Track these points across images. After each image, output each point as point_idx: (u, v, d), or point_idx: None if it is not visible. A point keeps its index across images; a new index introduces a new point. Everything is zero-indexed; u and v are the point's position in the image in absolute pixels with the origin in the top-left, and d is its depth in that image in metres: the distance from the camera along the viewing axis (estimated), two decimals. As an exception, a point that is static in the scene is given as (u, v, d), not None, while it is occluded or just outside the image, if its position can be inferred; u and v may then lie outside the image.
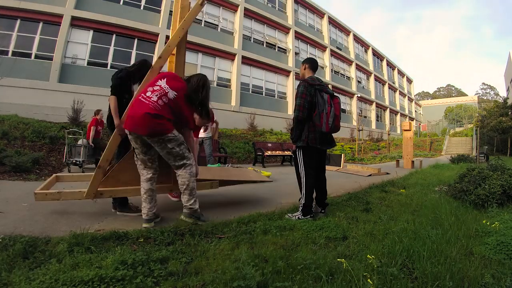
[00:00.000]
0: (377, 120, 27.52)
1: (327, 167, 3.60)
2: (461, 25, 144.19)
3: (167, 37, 12.59)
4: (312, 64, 3.02)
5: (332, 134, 2.93)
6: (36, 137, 6.92)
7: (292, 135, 2.93)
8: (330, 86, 20.84)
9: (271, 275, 1.58)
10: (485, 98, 55.60)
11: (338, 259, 1.70)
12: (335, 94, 2.96)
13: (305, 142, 2.79)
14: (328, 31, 22.08)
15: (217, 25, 15.04)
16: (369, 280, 1.44)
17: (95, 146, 6.14)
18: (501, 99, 32.91)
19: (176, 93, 2.40)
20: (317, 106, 2.72)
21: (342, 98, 23.04)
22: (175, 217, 2.65)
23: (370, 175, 7.28)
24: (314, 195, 3.03)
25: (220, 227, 2.47)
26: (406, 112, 35.30)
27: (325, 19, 22.09)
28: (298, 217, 2.81)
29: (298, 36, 19.27)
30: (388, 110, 29.96)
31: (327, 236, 2.32)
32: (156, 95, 2.34)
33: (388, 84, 30.81)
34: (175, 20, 2.91)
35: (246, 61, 15.59)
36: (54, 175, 3.41)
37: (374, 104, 26.35)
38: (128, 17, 11.79)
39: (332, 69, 21.88)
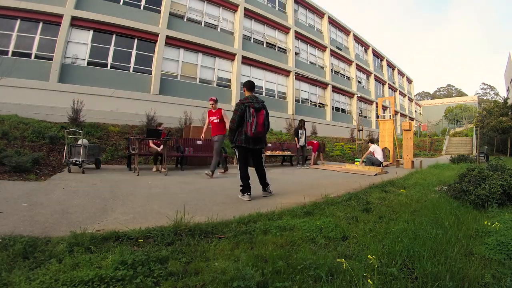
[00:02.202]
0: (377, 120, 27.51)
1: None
2: (461, 27, 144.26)
3: (167, 37, 12.62)
4: (247, 86, 4.22)
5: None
6: (36, 137, 6.92)
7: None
8: (330, 86, 20.86)
9: (271, 275, 1.58)
10: (485, 98, 55.59)
11: (338, 259, 1.70)
12: (261, 106, 4.01)
13: (236, 143, 3.92)
14: (328, 31, 22.07)
15: (217, 25, 15.03)
16: (369, 280, 1.44)
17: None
18: (501, 99, 32.92)
19: None
20: (245, 118, 3.83)
21: (342, 98, 23.05)
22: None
23: (376, 174, 7.27)
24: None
25: (220, 227, 2.47)
26: (406, 112, 35.28)
27: (325, 19, 22.08)
28: (241, 195, 3.91)
29: (298, 36, 19.27)
30: (388, 110, 29.92)
31: (327, 236, 2.33)
32: None
33: (388, 84, 30.80)
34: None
35: (246, 61, 15.58)
36: None
37: (374, 104, 26.34)
38: (128, 17, 11.78)
39: (332, 69, 21.87)
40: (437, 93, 68.26)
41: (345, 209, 3.23)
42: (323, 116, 20.32)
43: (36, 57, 10.19)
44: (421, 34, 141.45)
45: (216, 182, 5.29)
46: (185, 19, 13.81)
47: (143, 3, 12.59)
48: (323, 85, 20.79)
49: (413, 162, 9.83)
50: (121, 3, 12.08)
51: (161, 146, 6.63)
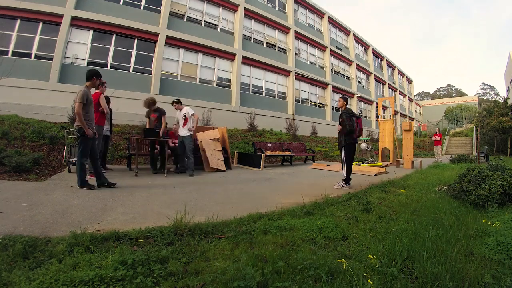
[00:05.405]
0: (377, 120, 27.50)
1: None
2: (461, 27, 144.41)
3: (167, 37, 12.61)
4: (346, 100, 5.41)
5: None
6: (36, 137, 6.92)
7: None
8: (330, 86, 20.88)
9: (271, 275, 1.58)
10: (485, 98, 55.61)
11: (338, 259, 1.70)
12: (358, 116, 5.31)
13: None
14: (328, 31, 22.06)
15: (217, 25, 15.03)
16: (369, 280, 1.44)
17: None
18: (501, 99, 32.96)
19: None
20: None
21: (342, 98, 23.06)
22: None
23: (376, 174, 7.27)
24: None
25: (220, 227, 2.47)
26: (406, 112, 35.28)
27: (325, 19, 22.08)
28: (342, 185, 5.14)
29: (298, 36, 19.26)
30: (388, 110, 29.94)
31: (327, 236, 2.33)
32: None
33: (388, 84, 30.79)
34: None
35: (246, 61, 15.57)
36: None
37: (374, 104, 26.35)
38: (128, 17, 11.77)
39: (332, 69, 21.87)
40: (437, 93, 68.27)
41: (345, 209, 3.23)
42: (323, 116, 20.32)
43: (36, 57, 10.18)
44: (422, 34, 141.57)
45: (216, 182, 5.29)
46: (185, 19, 13.81)
47: (143, 3, 12.58)
48: (323, 85, 20.78)
49: (413, 162, 9.84)
50: (121, 3, 12.08)
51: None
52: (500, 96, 50.09)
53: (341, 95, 6.84)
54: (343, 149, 5.24)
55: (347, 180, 5.15)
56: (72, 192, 3.69)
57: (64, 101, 9.13)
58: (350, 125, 5.05)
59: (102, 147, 5.86)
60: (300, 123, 15.98)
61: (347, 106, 5.32)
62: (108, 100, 6.30)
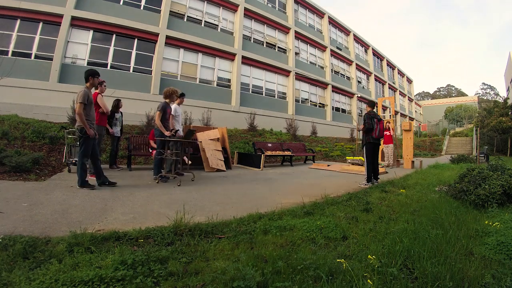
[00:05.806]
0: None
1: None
2: (461, 28, 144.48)
3: (167, 37, 12.61)
4: (371, 105, 5.85)
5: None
6: (36, 137, 6.92)
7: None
8: (330, 86, 20.89)
9: (271, 275, 1.58)
10: (485, 98, 55.61)
11: (338, 259, 1.70)
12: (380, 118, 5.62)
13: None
14: (328, 31, 22.06)
15: (217, 25, 15.03)
16: (369, 280, 1.45)
17: None
18: (501, 99, 32.99)
19: None
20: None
21: (342, 98, 23.08)
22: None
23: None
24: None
25: (220, 227, 2.47)
26: (406, 112, 35.27)
27: (325, 19, 22.07)
28: (364, 184, 5.36)
29: (298, 36, 19.26)
30: (388, 110, 29.93)
31: (327, 236, 2.32)
32: None
33: (388, 84, 30.78)
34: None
35: (246, 61, 15.57)
36: None
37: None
38: (128, 17, 11.78)
39: (332, 69, 21.87)
40: (437, 93, 68.26)
41: (345, 209, 3.23)
42: (323, 116, 20.32)
43: (36, 57, 10.19)
44: (422, 34, 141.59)
45: (216, 182, 5.29)
46: (185, 19, 13.81)
47: (143, 3, 12.58)
48: (323, 85, 20.78)
49: (413, 162, 9.84)
50: (121, 3, 12.08)
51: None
52: (500, 96, 50.19)
53: (366, 102, 7.46)
54: (364, 148, 5.62)
55: (369, 179, 5.46)
56: (72, 192, 3.69)
57: (64, 101, 9.14)
58: (369, 123, 5.44)
59: (115, 147, 6.32)
60: (300, 123, 15.97)
61: (373, 110, 5.80)
62: (118, 102, 6.49)
